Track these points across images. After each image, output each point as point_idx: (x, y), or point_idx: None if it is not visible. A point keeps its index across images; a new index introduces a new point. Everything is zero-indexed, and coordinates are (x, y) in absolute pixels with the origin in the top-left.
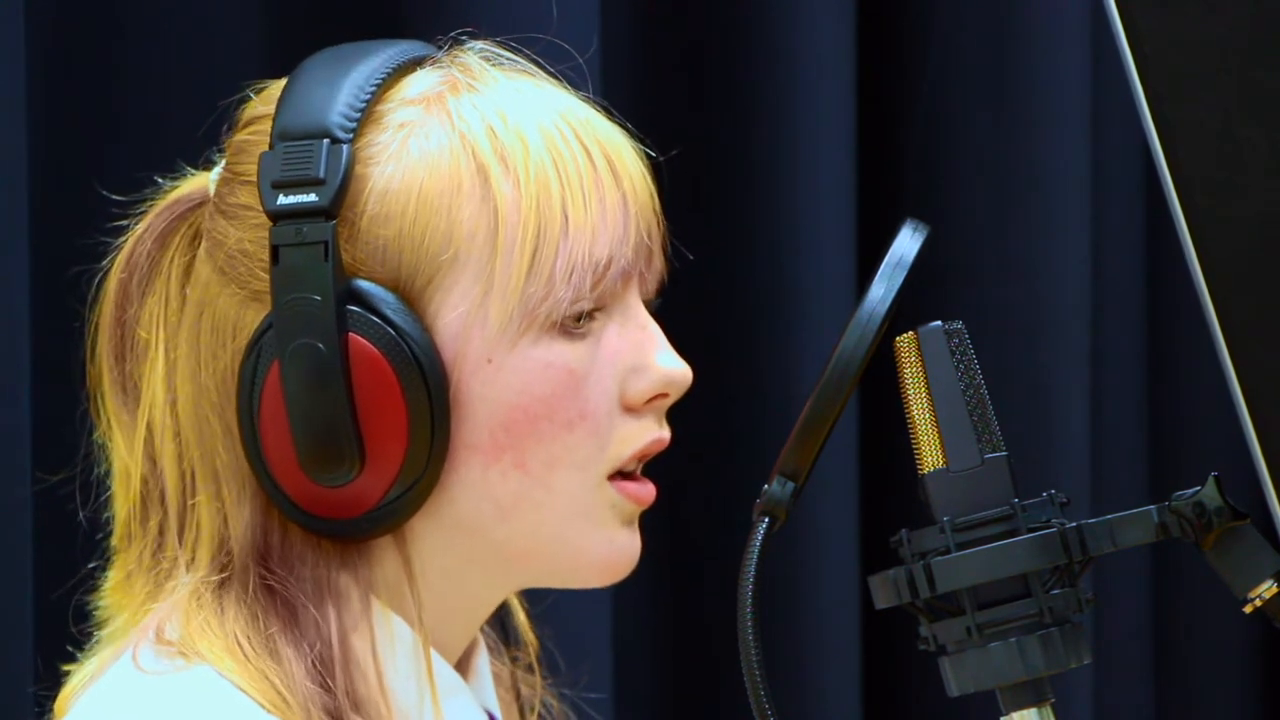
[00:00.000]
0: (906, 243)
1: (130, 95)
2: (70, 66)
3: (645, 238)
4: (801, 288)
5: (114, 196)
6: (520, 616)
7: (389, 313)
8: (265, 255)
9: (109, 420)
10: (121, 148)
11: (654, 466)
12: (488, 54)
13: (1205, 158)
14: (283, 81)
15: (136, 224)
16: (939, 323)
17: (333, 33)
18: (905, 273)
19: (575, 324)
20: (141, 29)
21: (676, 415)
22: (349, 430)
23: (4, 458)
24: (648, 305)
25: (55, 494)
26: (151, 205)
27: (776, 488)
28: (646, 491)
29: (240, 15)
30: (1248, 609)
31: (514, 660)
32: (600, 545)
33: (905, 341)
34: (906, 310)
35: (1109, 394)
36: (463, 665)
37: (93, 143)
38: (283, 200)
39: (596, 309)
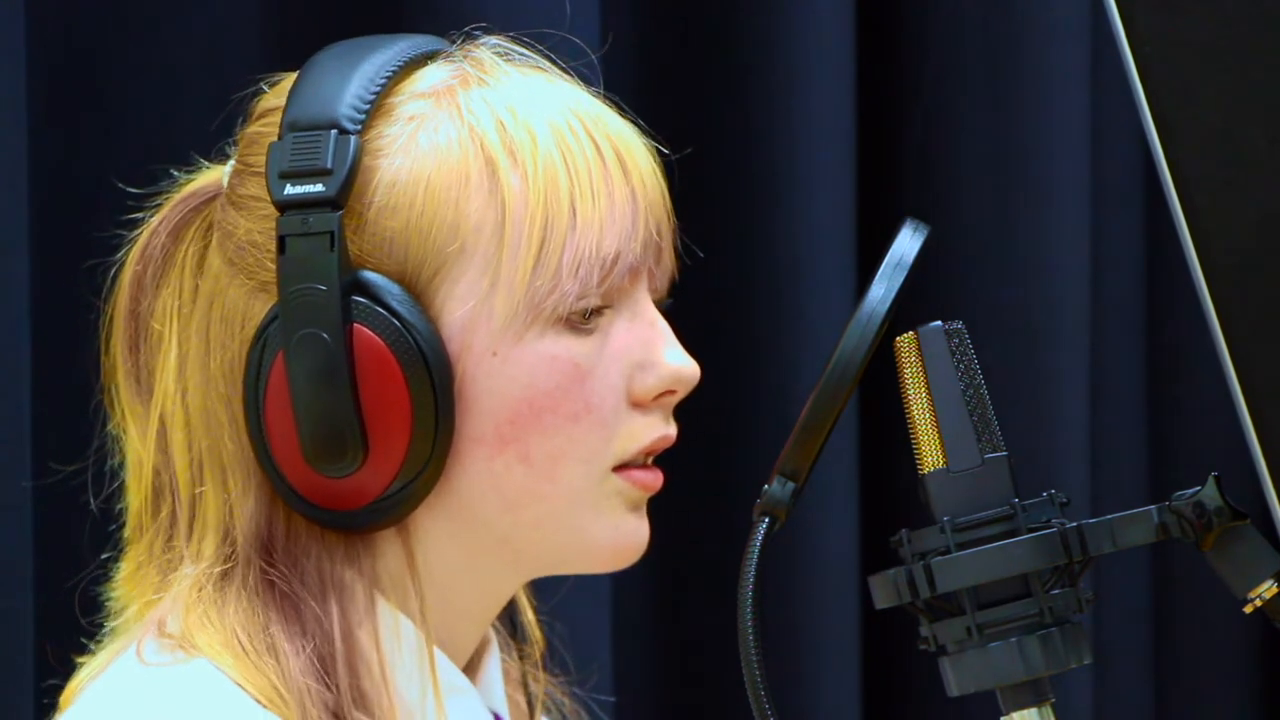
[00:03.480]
0: (906, 243)
1: (140, 89)
2: (74, 61)
3: (654, 234)
4: (801, 288)
5: (130, 189)
6: (528, 614)
7: (394, 304)
8: (273, 246)
9: (123, 411)
10: (130, 143)
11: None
12: (500, 49)
13: (1205, 158)
14: (295, 74)
15: (151, 216)
16: (939, 323)
17: (336, 24)
18: (905, 273)
19: (583, 320)
20: (145, 22)
21: (676, 414)
22: (352, 421)
23: (4, 453)
24: (659, 304)
25: (63, 487)
26: (167, 198)
27: (776, 488)
28: (654, 478)
29: (241, 27)
30: (1248, 609)
31: (521, 656)
32: (606, 532)
33: (905, 341)
34: (906, 310)
35: (1109, 394)
36: (473, 665)
37: (98, 139)
38: (290, 190)
39: (605, 306)
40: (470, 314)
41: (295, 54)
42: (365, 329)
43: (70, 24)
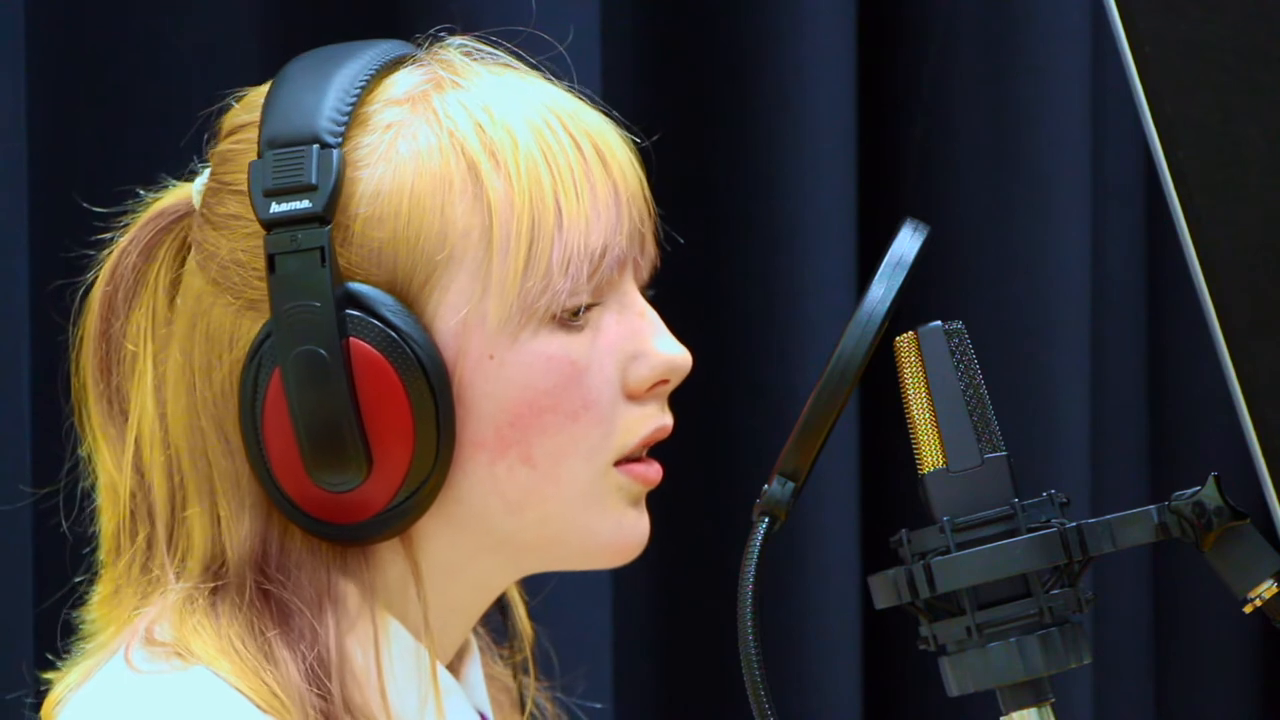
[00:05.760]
0: (906, 243)
1: (140, 90)
2: (74, 61)
3: (638, 224)
4: (801, 288)
5: (95, 209)
6: (519, 610)
7: (388, 315)
8: (260, 264)
9: (94, 434)
10: (130, 144)
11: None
12: (468, 49)
13: (1205, 158)
14: (263, 88)
15: (120, 237)
16: (939, 323)
17: (336, 25)
18: (905, 273)
19: (574, 317)
20: (145, 23)
21: (676, 414)
22: (355, 435)
23: (4, 465)
24: (643, 293)
25: (46, 506)
26: (134, 218)
27: (776, 488)
28: (653, 471)
29: (239, 29)
30: (1248, 609)
31: (510, 658)
32: (609, 529)
33: (905, 341)
34: (906, 310)
35: (1109, 394)
36: (455, 665)
37: (98, 139)
38: (276, 208)
39: (594, 301)
40: (464, 319)
41: (295, 55)
42: (361, 342)
43: (70, 24)
